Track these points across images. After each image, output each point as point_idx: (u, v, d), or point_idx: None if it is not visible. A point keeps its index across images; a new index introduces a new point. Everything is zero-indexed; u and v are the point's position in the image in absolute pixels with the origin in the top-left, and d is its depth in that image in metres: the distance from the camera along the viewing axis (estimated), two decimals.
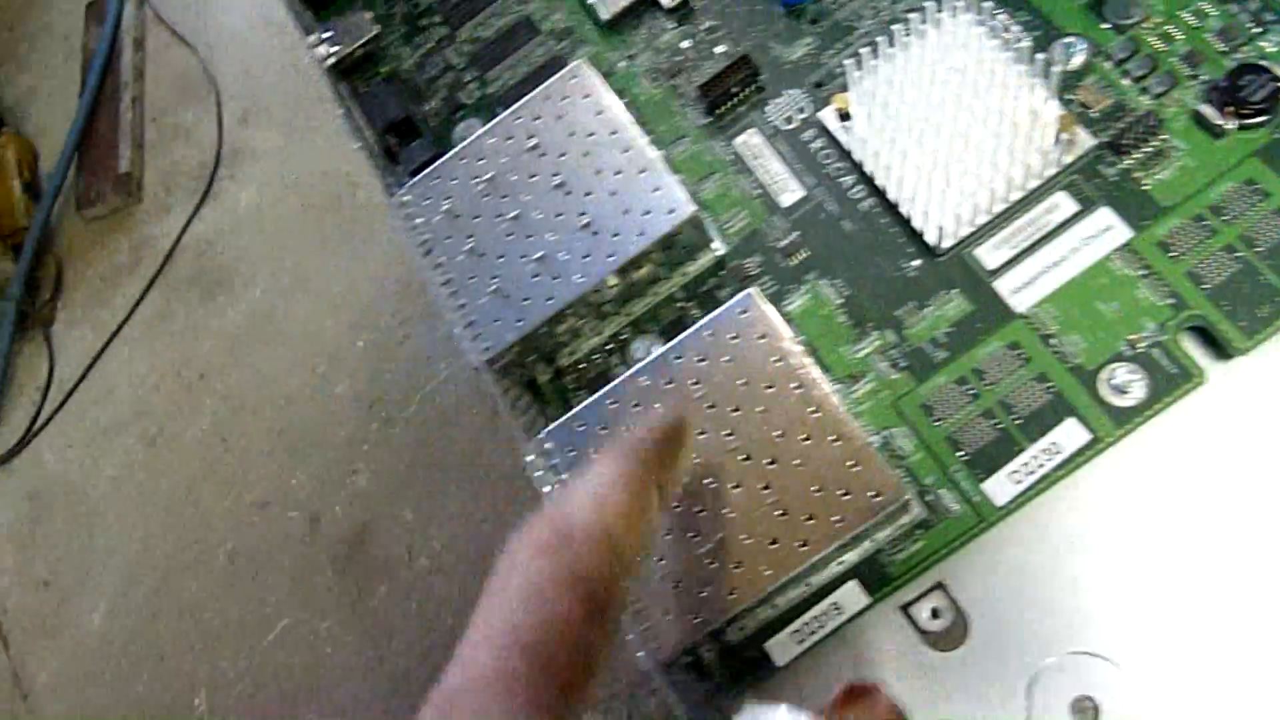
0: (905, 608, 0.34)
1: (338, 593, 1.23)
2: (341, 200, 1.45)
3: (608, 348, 0.40)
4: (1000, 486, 0.34)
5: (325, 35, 0.46)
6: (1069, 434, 0.34)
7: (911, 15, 0.39)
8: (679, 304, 0.40)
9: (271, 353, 1.40)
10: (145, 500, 1.39)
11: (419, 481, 1.25)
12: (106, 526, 1.39)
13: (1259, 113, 0.35)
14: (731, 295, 0.39)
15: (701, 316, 0.39)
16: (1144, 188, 0.36)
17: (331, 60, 0.46)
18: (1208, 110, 0.36)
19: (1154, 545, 0.32)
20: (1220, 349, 0.34)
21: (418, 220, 0.40)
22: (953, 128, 0.37)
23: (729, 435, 0.33)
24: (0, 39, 1.80)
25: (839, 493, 0.32)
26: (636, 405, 0.35)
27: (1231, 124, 0.35)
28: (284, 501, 1.32)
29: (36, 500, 1.46)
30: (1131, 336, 0.34)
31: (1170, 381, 0.33)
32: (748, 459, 0.33)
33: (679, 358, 0.35)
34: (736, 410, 0.34)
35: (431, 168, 0.41)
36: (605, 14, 0.44)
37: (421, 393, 1.29)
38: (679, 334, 0.37)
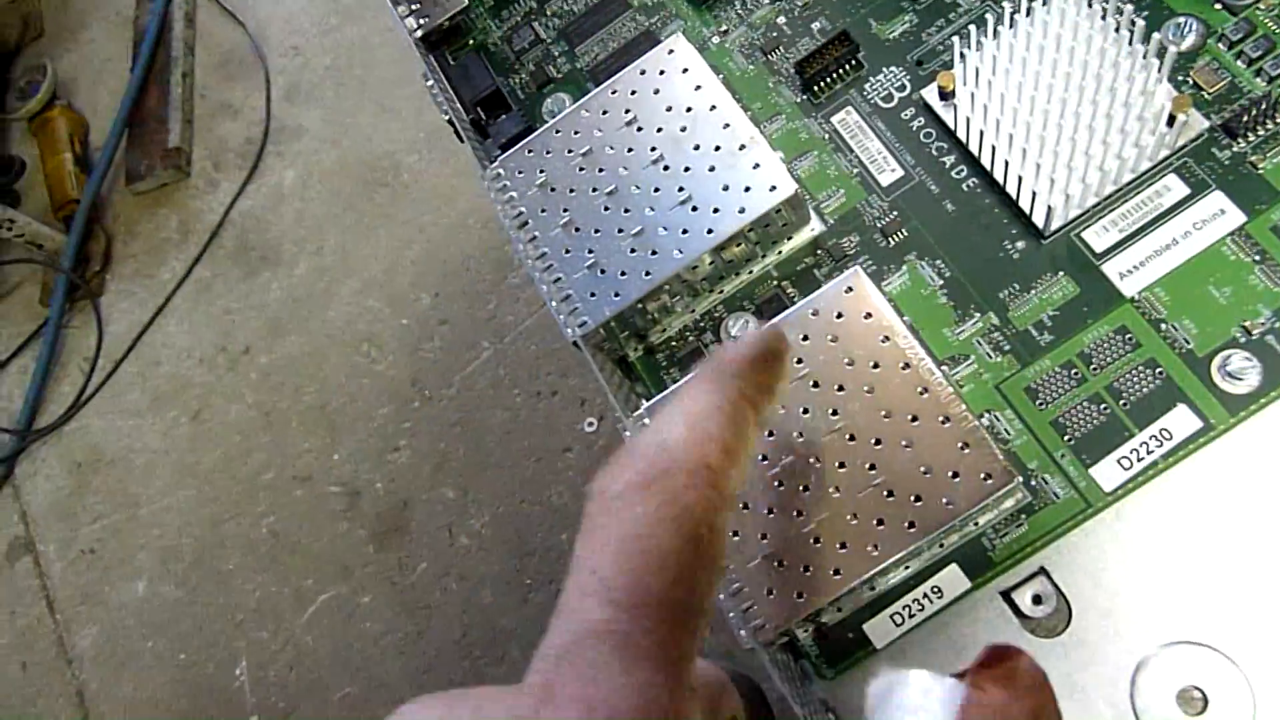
0: (1007, 593, 0.34)
1: (377, 568, 1.24)
2: (385, 180, 1.46)
3: (700, 325, 0.40)
4: (1108, 472, 0.34)
5: (414, 6, 0.46)
6: (1180, 421, 0.33)
7: None
8: (774, 282, 0.39)
9: (314, 330, 1.41)
10: (188, 473, 1.41)
11: (460, 460, 1.26)
12: (150, 498, 1.41)
13: None
14: (828, 275, 0.39)
15: (797, 295, 0.39)
16: (1259, 172, 0.35)
17: (420, 32, 0.46)
18: None
19: (1266, 536, 0.32)
20: None
21: (512, 194, 0.40)
22: (1061, 108, 0.36)
23: (834, 415, 0.33)
24: (53, 14, 1.82)
25: (948, 475, 0.32)
26: None
27: None
28: (325, 477, 1.34)
29: (82, 470, 1.48)
30: (1246, 323, 0.34)
31: None
32: (853, 439, 0.33)
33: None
34: (841, 390, 0.33)
35: (525, 141, 0.40)
36: None
37: (462, 373, 1.30)
38: (775, 312, 0.37)
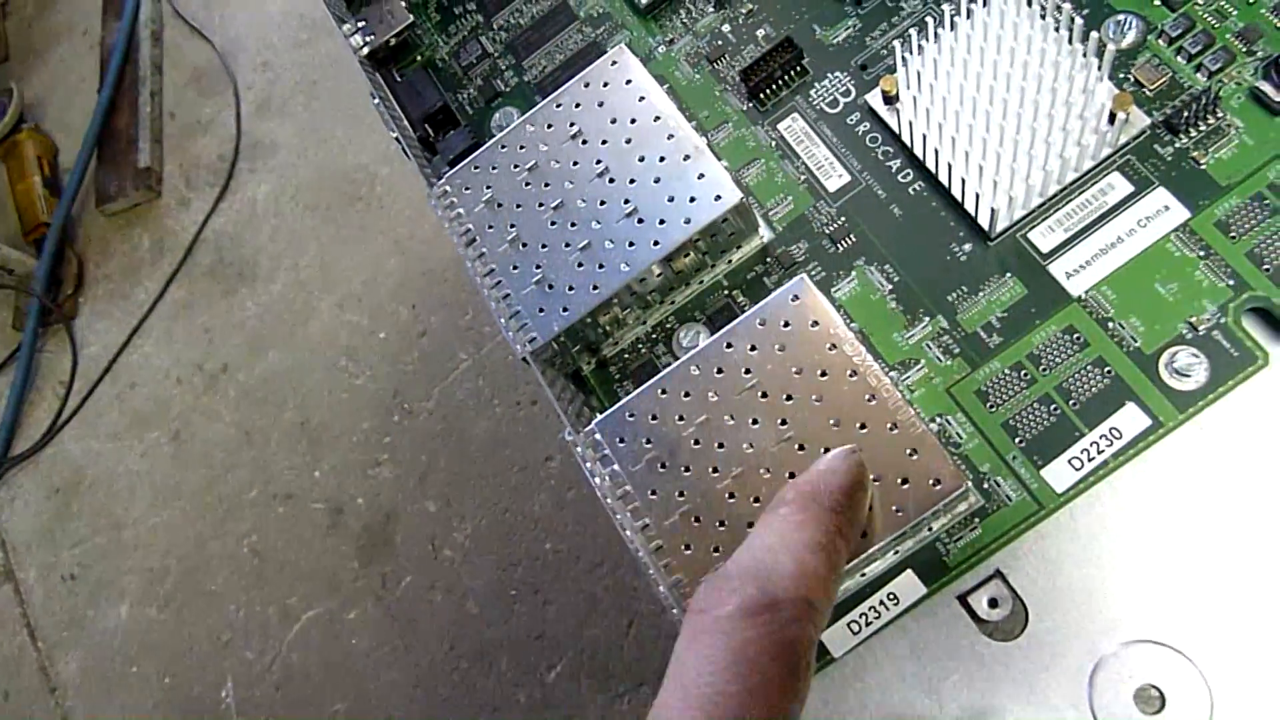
0: (963, 597, 0.34)
1: (362, 584, 1.24)
2: (360, 193, 1.45)
3: (652, 337, 0.40)
4: (1060, 473, 0.33)
5: (360, 24, 0.46)
6: (1129, 419, 0.33)
7: None
8: (725, 291, 0.39)
9: (293, 345, 1.40)
10: (169, 494, 1.40)
11: (441, 472, 1.25)
12: (131, 521, 1.40)
13: None
14: (778, 283, 0.39)
15: (747, 304, 0.39)
16: (1201, 167, 0.35)
17: (366, 50, 0.45)
18: (1267, 87, 0.35)
19: (1219, 532, 0.32)
20: None
21: (459, 210, 0.40)
22: (1003, 109, 0.36)
23: (783, 425, 0.33)
24: (19, 35, 1.81)
25: (898, 482, 0.32)
26: (687, 395, 0.34)
27: None
28: (307, 494, 1.33)
29: (62, 495, 1.46)
30: (1192, 319, 0.34)
31: (1232, 364, 0.33)
32: (802, 449, 0.33)
33: (730, 346, 0.34)
34: (790, 399, 0.33)
35: (471, 157, 0.40)
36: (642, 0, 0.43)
37: (441, 385, 1.29)
38: (725, 322, 0.37)
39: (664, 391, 0.35)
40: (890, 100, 0.38)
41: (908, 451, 0.32)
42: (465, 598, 1.21)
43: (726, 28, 0.43)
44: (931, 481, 0.31)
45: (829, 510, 0.27)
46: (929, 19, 0.37)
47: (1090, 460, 0.33)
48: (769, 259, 0.39)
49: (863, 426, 0.32)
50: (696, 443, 0.34)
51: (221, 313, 1.52)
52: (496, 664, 1.16)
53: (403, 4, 0.47)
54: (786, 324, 0.34)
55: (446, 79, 0.47)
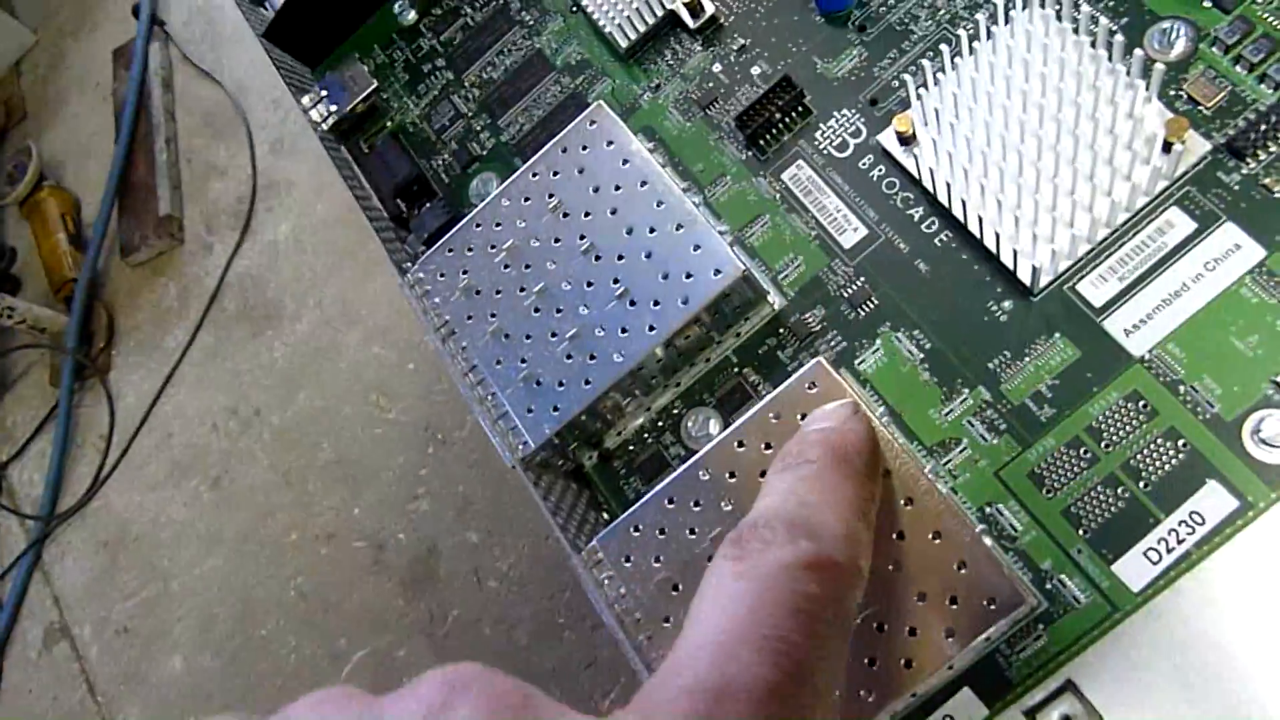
0: (1031, 713, 0.29)
1: (410, 620, 1.22)
2: None
3: (658, 425, 0.35)
4: (1134, 568, 0.29)
5: (321, 94, 0.42)
6: (1212, 500, 0.28)
7: (977, 14, 0.33)
8: (735, 370, 0.35)
9: (323, 384, 1.39)
10: (214, 541, 1.40)
11: (480, 502, 1.23)
12: (179, 570, 1.40)
13: None
14: (793, 356, 0.34)
15: (760, 383, 0.34)
16: (1276, 195, 0.30)
17: (330, 121, 0.42)
18: None
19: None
20: None
21: (435, 300, 0.36)
22: (1037, 146, 0.31)
23: None
24: (34, 93, 1.82)
25: (945, 601, 0.27)
26: (698, 505, 0.30)
27: None
28: (349, 532, 1.32)
29: (109, 549, 1.47)
30: (1278, 377, 0.29)
31: None
32: None
33: (741, 445, 0.30)
34: None
35: (445, 239, 0.36)
36: (623, 41, 0.39)
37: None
38: (736, 406, 0.33)
39: (671, 501, 0.31)
40: (906, 140, 0.33)
41: (955, 565, 0.27)
42: (514, 628, 1.19)
43: (718, 67, 0.38)
44: (985, 600, 0.27)
45: (864, 473, 0.26)
46: (943, 45, 0.32)
47: (1169, 551, 0.29)
48: (782, 330, 0.35)
49: (900, 536, 0.28)
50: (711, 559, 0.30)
51: (250, 356, 1.51)
52: (550, 693, 1.13)
53: (365, 68, 0.43)
54: (804, 416, 0.30)
55: (419, 145, 0.43)
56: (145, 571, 1.43)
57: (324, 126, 0.41)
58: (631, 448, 0.36)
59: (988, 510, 0.31)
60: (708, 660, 0.21)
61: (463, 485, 1.26)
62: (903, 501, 0.28)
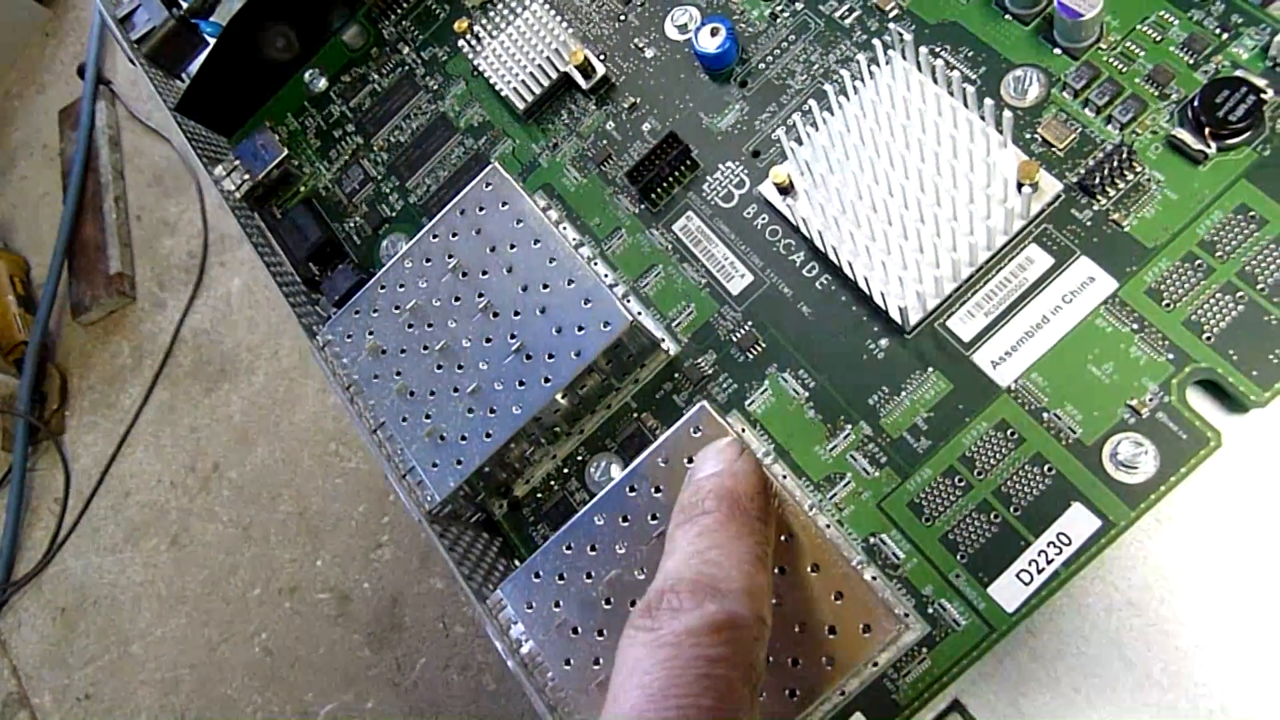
0: None
1: (377, 671, 1.21)
2: None
3: (564, 472, 0.37)
4: (1009, 589, 0.30)
5: (234, 164, 0.43)
6: (1078, 522, 0.30)
7: (844, 70, 0.35)
8: (634, 415, 0.36)
9: (281, 436, 1.39)
10: (175, 601, 1.38)
11: None
12: (140, 632, 1.38)
13: (1240, 131, 0.31)
14: (689, 400, 0.36)
15: (658, 426, 0.36)
16: (1125, 229, 0.32)
17: (244, 189, 0.43)
18: (1184, 134, 0.32)
19: (1192, 634, 0.29)
20: (1234, 403, 0.30)
21: (343, 360, 0.37)
22: (902, 195, 0.33)
23: None
24: None
25: (825, 630, 0.29)
26: (594, 549, 0.31)
27: (1212, 147, 0.32)
28: (312, 584, 1.31)
29: (68, 614, 1.45)
30: (1133, 401, 0.30)
31: (1181, 449, 0.30)
32: None
33: (633, 490, 0.32)
34: None
35: (351, 301, 0.37)
36: (521, 104, 0.41)
37: None
38: (636, 450, 0.34)
39: (569, 546, 0.32)
40: (785, 191, 0.35)
41: (832, 595, 0.29)
42: (481, 673, 1.18)
43: (610, 125, 0.40)
44: (862, 627, 0.28)
45: (757, 519, 0.27)
46: (812, 102, 0.34)
47: (1040, 571, 0.30)
48: (677, 375, 0.36)
49: (781, 570, 0.29)
50: (608, 602, 0.31)
51: (207, 411, 1.50)
52: None
53: (275, 137, 0.44)
54: (691, 460, 0.31)
55: (331, 208, 0.44)
56: (106, 636, 1.41)
57: (237, 195, 0.42)
58: (539, 495, 0.37)
59: (872, 540, 0.32)
60: (629, 710, 0.22)
61: (425, 532, 1.26)
62: (783, 537, 0.30)
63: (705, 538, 0.27)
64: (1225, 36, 0.33)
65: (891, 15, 0.37)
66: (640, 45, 0.40)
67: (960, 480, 0.32)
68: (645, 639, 0.24)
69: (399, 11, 0.46)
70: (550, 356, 0.34)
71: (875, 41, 0.34)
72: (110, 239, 1.62)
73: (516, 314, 0.35)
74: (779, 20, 0.39)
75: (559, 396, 0.35)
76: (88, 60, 1.66)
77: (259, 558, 1.36)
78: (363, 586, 1.28)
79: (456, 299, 0.36)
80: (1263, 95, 0.31)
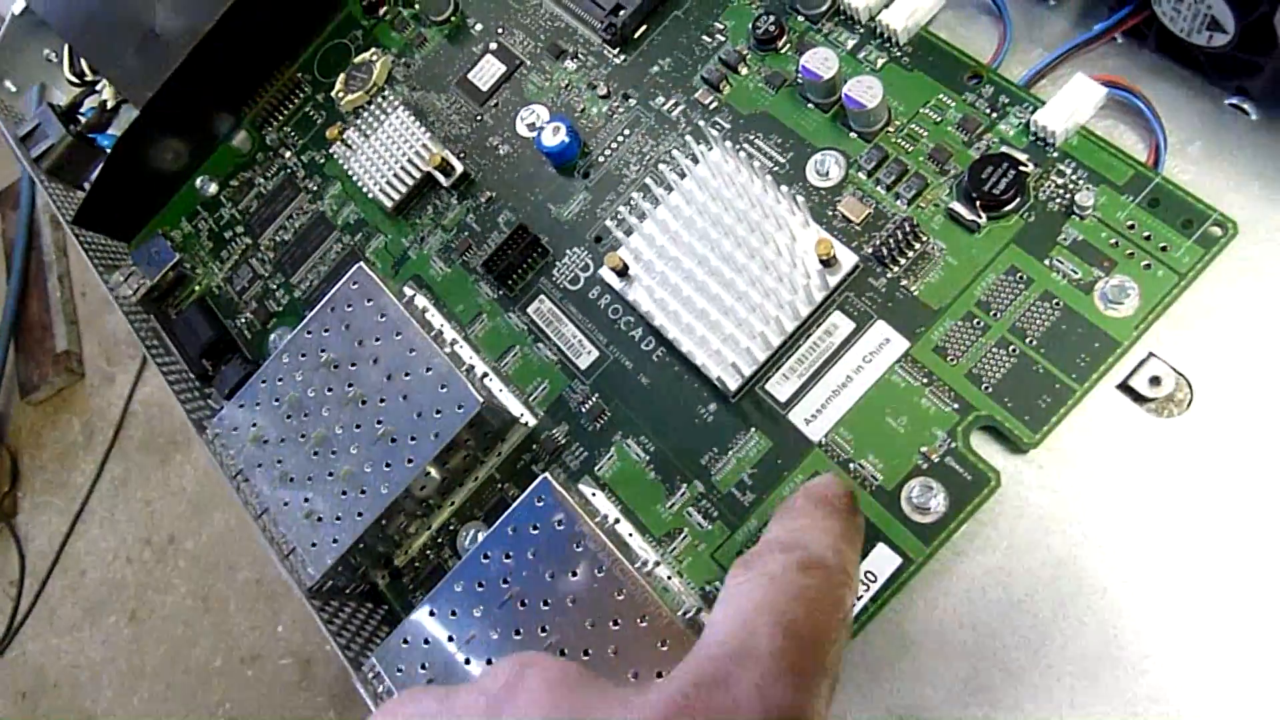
0: None
1: None
2: None
3: (438, 541, 0.40)
4: None
5: (131, 269, 0.47)
6: (882, 560, 0.34)
7: (672, 156, 0.39)
8: (499, 485, 0.40)
9: (236, 504, 1.40)
10: (136, 676, 1.38)
11: None
12: (103, 711, 1.38)
13: (1006, 202, 0.35)
14: (546, 468, 0.39)
15: (519, 495, 0.39)
16: (914, 294, 0.36)
17: (140, 294, 0.46)
18: (959, 207, 0.36)
19: (984, 666, 0.32)
20: (1012, 445, 0.34)
21: (230, 451, 0.40)
22: (722, 270, 0.37)
23: (543, 632, 0.33)
24: None
25: (654, 676, 0.32)
26: (454, 614, 0.35)
27: (983, 217, 0.36)
28: (273, 651, 1.31)
29: (29, 698, 1.44)
30: (925, 449, 0.34)
31: (966, 489, 0.33)
32: (563, 655, 0.33)
33: (487, 558, 0.35)
34: (547, 605, 0.34)
35: (237, 395, 0.41)
36: (389, 202, 0.44)
37: None
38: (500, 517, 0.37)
39: (433, 613, 0.35)
40: (621, 273, 0.39)
41: (659, 644, 0.32)
42: None
43: (471, 218, 0.44)
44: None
45: (843, 511, 0.30)
46: (635, 195, 0.38)
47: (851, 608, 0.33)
48: (535, 446, 0.40)
49: (616, 622, 0.33)
50: (468, 662, 0.34)
51: (160, 483, 1.51)
52: None
53: (168, 242, 0.47)
54: (535, 528, 0.35)
55: (224, 305, 0.47)
56: (68, 717, 1.40)
57: (133, 300, 0.46)
58: (417, 564, 0.40)
59: (708, 588, 0.35)
60: (728, 633, 0.25)
61: (305, 607, 1.27)
62: (615, 593, 0.33)
63: (792, 519, 0.30)
64: (994, 116, 0.37)
65: (711, 108, 0.41)
66: (495, 143, 0.44)
67: None
68: (743, 577, 0.27)
69: (280, 118, 0.49)
70: (412, 439, 0.37)
71: (688, 138, 0.38)
72: (56, 317, 1.64)
73: (382, 401, 0.38)
74: (615, 116, 0.43)
75: (426, 473, 0.38)
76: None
77: (219, 627, 1.36)
78: (324, 649, 1.29)
79: (329, 390, 0.39)
80: (1023, 169, 0.36)
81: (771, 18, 0.41)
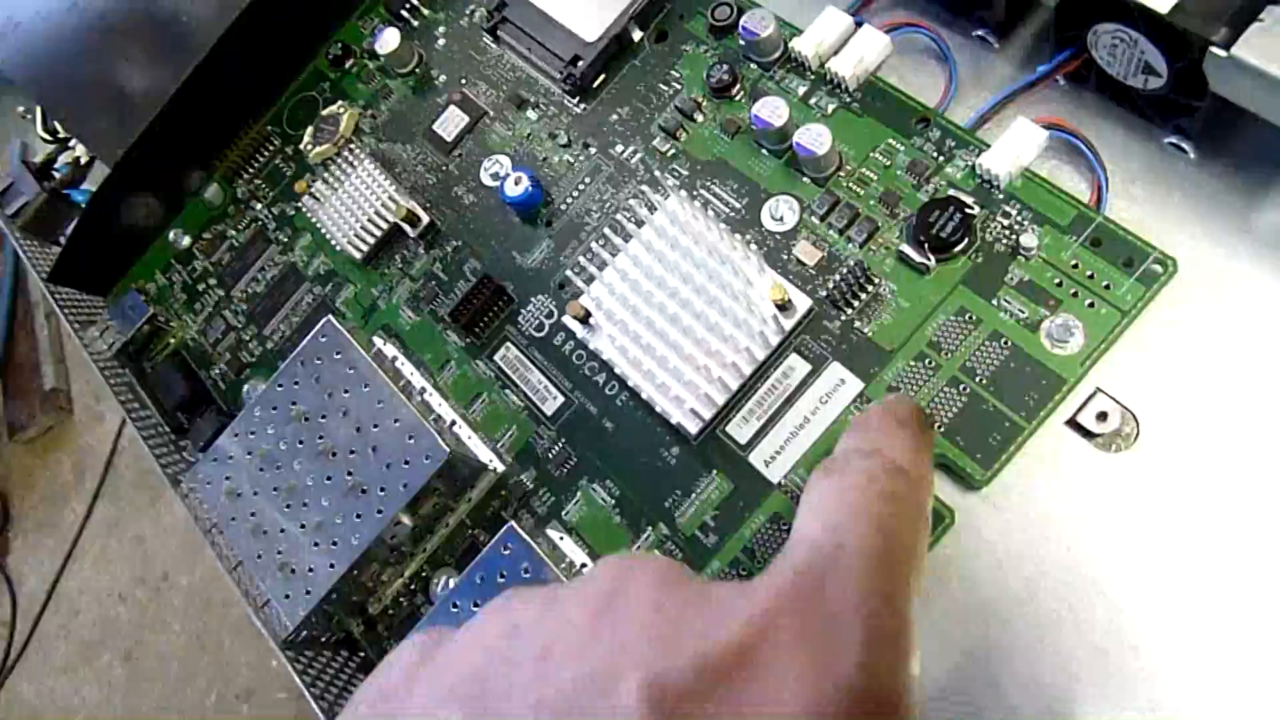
0: None
1: None
2: None
3: (411, 588, 0.41)
4: None
5: (107, 324, 0.47)
6: None
7: (630, 206, 0.40)
8: (469, 531, 0.40)
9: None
10: (132, 715, 1.38)
11: None
12: None
13: (953, 244, 0.36)
14: (515, 514, 0.40)
15: (489, 541, 0.40)
16: (867, 335, 0.37)
17: (115, 348, 0.47)
18: (909, 249, 0.37)
19: (943, 706, 0.33)
20: (965, 483, 0.35)
21: (204, 504, 0.41)
22: (684, 311, 0.38)
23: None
24: None
25: None
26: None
27: (932, 259, 0.37)
28: (268, 686, 1.31)
29: None
30: None
31: None
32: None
33: (455, 607, 0.35)
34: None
35: (210, 449, 0.41)
36: (358, 253, 0.45)
37: None
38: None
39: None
40: (584, 320, 0.40)
41: None
42: None
43: (438, 267, 0.45)
44: None
45: (914, 427, 0.31)
46: (595, 244, 0.39)
47: None
48: (504, 492, 0.40)
49: None
50: None
51: (152, 520, 1.51)
52: None
53: (143, 296, 0.48)
54: (503, 576, 0.35)
55: (198, 357, 0.48)
56: None
57: (108, 354, 0.46)
58: (391, 612, 0.41)
59: None
60: (819, 531, 0.25)
61: (279, 659, 1.28)
62: None
63: (871, 431, 0.31)
64: (941, 159, 0.38)
65: (669, 155, 0.42)
66: (460, 193, 0.45)
67: (743, 569, 0.36)
68: (826, 479, 0.28)
69: (250, 171, 0.50)
70: (382, 490, 0.38)
71: (644, 188, 0.39)
72: (44, 356, 1.64)
73: (352, 453, 0.39)
74: (576, 165, 0.44)
75: (397, 521, 0.39)
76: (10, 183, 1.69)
77: (214, 664, 1.36)
78: None
79: (300, 442, 0.40)
80: (969, 211, 0.37)
81: (725, 66, 0.42)
